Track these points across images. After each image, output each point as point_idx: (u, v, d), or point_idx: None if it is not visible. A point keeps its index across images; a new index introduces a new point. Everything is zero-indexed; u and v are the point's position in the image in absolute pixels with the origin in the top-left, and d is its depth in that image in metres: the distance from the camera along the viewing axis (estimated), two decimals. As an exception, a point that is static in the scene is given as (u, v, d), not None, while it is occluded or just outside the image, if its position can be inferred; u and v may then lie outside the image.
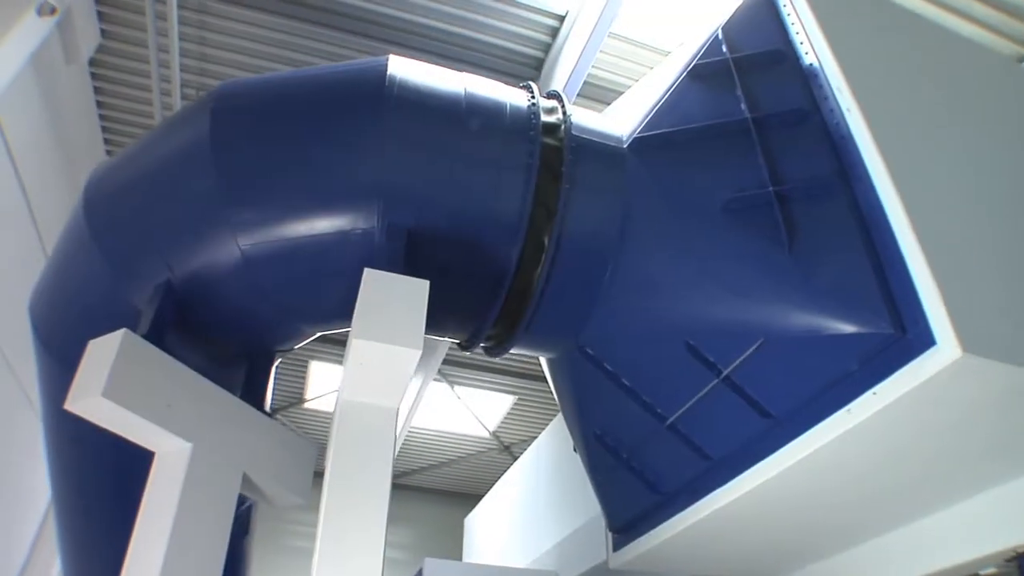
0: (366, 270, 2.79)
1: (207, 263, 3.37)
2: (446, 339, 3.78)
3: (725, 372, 3.03)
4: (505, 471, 9.56)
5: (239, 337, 3.67)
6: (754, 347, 2.89)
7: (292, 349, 3.94)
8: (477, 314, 3.42)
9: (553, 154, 3.34)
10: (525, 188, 3.23)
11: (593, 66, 6.09)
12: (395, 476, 12.64)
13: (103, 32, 6.37)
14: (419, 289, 2.79)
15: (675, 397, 3.29)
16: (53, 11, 5.49)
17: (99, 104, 7.00)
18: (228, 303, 3.49)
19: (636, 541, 4.14)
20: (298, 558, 13.07)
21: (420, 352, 2.63)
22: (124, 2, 6.09)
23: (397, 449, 11.62)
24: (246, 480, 3.27)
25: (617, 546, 4.39)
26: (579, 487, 7.12)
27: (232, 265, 3.35)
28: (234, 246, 3.30)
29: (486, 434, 11.74)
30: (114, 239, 3.47)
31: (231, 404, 3.33)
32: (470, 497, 10.90)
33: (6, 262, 5.91)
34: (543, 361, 4.07)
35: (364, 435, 2.79)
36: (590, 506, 6.72)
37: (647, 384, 3.39)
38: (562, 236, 3.25)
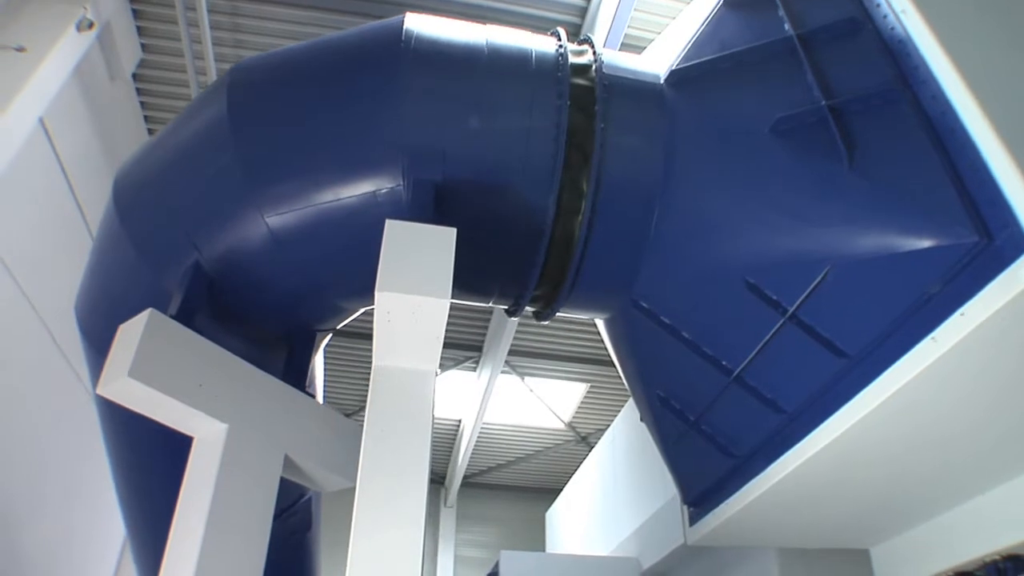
0: (388, 221, 2.61)
1: (236, 242, 3.26)
2: (498, 306, 3.57)
3: (791, 310, 2.74)
4: (583, 462, 9.31)
5: (277, 318, 3.55)
6: (820, 277, 2.59)
7: (335, 329, 3.80)
8: (519, 272, 3.21)
9: (585, 94, 3.11)
10: (556, 130, 3.00)
11: (629, 26, 5.82)
12: (472, 475, 12.60)
13: (144, 47, 6.47)
14: (445, 237, 2.59)
15: (739, 346, 3.01)
16: (91, 26, 5.58)
17: (146, 118, 7.10)
18: (262, 283, 3.38)
19: (712, 513, 3.85)
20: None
21: (448, 302, 2.42)
22: (162, 15, 6.15)
23: (471, 449, 11.48)
24: (288, 462, 3.13)
25: (693, 520, 4.11)
26: (655, 469, 6.83)
27: (261, 242, 3.23)
28: (261, 222, 3.18)
29: (561, 425, 11.48)
30: (140, 224, 3.41)
31: (269, 384, 3.19)
32: (550, 492, 10.66)
33: (65, 272, 5.98)
34: (601, 327, 3.82)
35: (401, 402, 2.59)
36: (668, 488, 6.43)
37: (708, 334, 3.11)
38: (601, 179, 3.01)
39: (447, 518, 13.44)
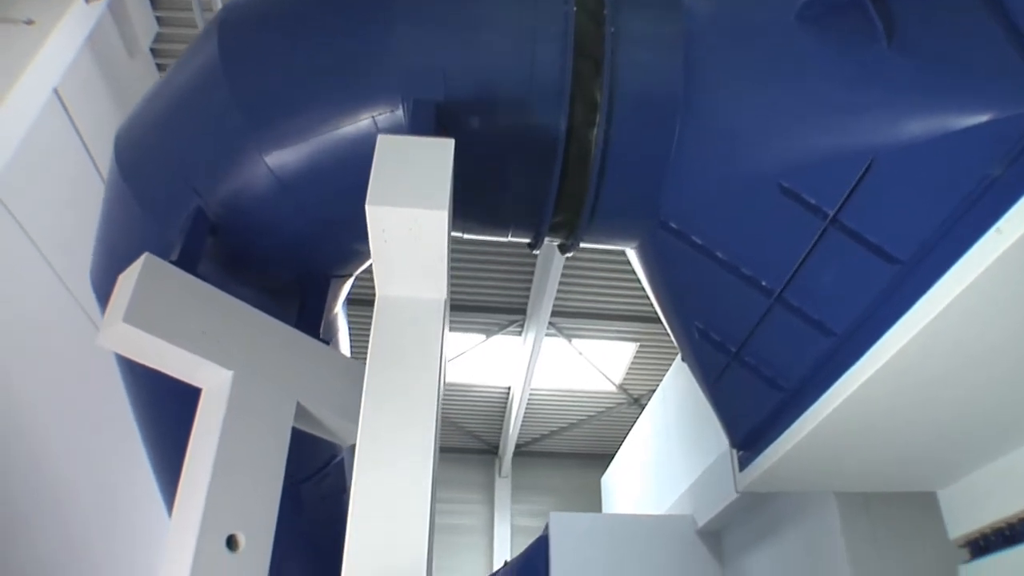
0: (380, 136, 2.41)
1: (237, 185, 3.11)
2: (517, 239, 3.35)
3: (832, 213, 2.46)
4: (635, 424, 9.08)
5: (287, 264, 3.40)
6: (863, 171, 2.30)
7: (351, 275, 3.63)
8: (535, 197, 2.98)
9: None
10: (563, 39, 2.76)
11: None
12: (525, 444, 12.47)
13: (159, 20, 6.40)
14: (442, 148, 2.37)
15: (779, 262, 2.74)
16: (99, -4, 5.51)
17: (167, 91, 7.02)
18: (268, 227, 3.23)
19: (763, 455, 3.58)
20: (441, 535, 13.04)
21: (447, 214, 2.21)
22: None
23: (521, 416, 11.33)
24: (301, 411, 2.96)
25: (743, 464, 3.85)
26: (707, 424, 6.57)
27: (263, 183, 3.07)
28: (261, 163, 3.02)
29: (612, 388, 11.24)
30: (141, 178, 3.30)
31: (278, 330, 3.03)
32: (604, 457, 10.45)
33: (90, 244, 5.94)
34: (633, 260, 3.56)
35: (406, 333, 2.40)
36: (720, 442, 6.17)
37: (744, 252, 2.84)
38: (615, 88, 2.76)
39: (502, 489, 13.36)
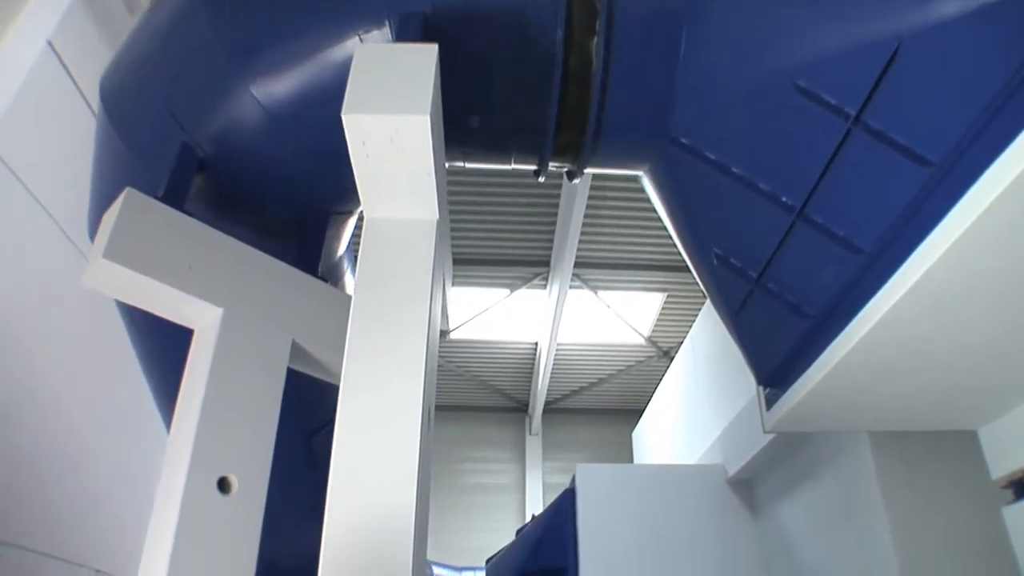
0: (357, 46, 2.23)
1: (225, 120, 2.97)
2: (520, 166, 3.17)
3: (855, 113, 2.23)
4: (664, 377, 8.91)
5: (283, 201, 3.26)
6: (887, 62, 2.08)
7: (352, 212, 3.48)
8: (535, 118, 2.78)
9: None
10: (558, -67, 2.54)
11: None
12: (554, 400, 12.36)
13: (159, -26, 6.24)
14: (424, 53, 2.18)
15: (799, 173, 2.52)
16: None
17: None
18: (260, 163, 3.08)
19: (790, 391, 3.40)
20: (474, 495, 13.06)
21: (430, 120, 2.03)
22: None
23: (549, 372, 11.20)
24: (298, 350, 2.83)
25: (770, 403, 3.67)
26: (737, 370, 6.38)
27: (251, 116, 2.92)
28: (247, 96, 2.87)
29: (640, 340, 11.05)
30: (127, 119, 3.19)
31: (271, 266, 2.89)
32: (635, 413, 10.31)
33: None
34: (648, 187, 3.36)
35: (396, 256, 2.23)
36: (750, 387, 5.98)
37: (762, 164, 2.63)
38: (615, -9, 2.54)
39: (533, 446, 13.30)
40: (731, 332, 3.45)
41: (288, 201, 3.24)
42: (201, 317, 2.68)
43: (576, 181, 3.20)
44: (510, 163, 3.07)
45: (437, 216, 2.30)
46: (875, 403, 3.49)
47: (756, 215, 2.73)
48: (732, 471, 6.23)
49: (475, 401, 13.27)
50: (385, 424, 1.90)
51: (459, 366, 12.11)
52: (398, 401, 1.93)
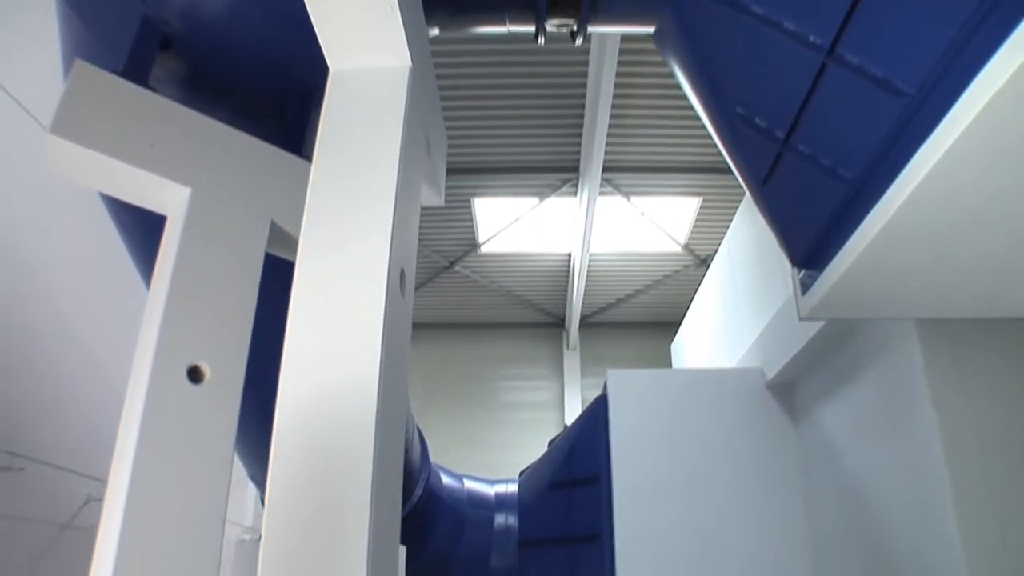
0: None
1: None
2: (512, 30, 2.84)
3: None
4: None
5: (263, 78, 2.99)
6: None
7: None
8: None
9: None
10: None
11: None
12: (591, 314, 12.12)
13: None
14: None
15: (830, 3, 2.17)
16: None
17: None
18: (234, 35, 2.81)
19: (827, 270, 3.09)
20: (512, 412, 13.02)
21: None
22: None
23: (584, 283, 10.92)
24: (278, 232, 2.60)
25: (805, 286, 3.36)
26: (776, 267, 6.05)
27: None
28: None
29: (677, 248, 10.69)
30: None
31: (246, 144, 2.64)
32: (673, 325, 10.03)
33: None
34: (660, 47, 3.01)
35: (361, 110, 1.96)
36: (789, 285, 5.65)
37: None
38: None
39: (571, 362, 13.14)
40: (760, 207, 3.13)
41: (266, 78, 2.97)
42: (169, 200, 2.46)
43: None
44: (504, 25, 2.74)
45: (410, 63, 2.01)
46: (922, 283, 3.15)
47: (781, 61, 2.39)
48: (771, 374, 5.94)
49: (510, 317, 13.08)
50: (345, 290, 1.66)
51: (492, 281, 11.89)
52: (361, 264, 1.69)
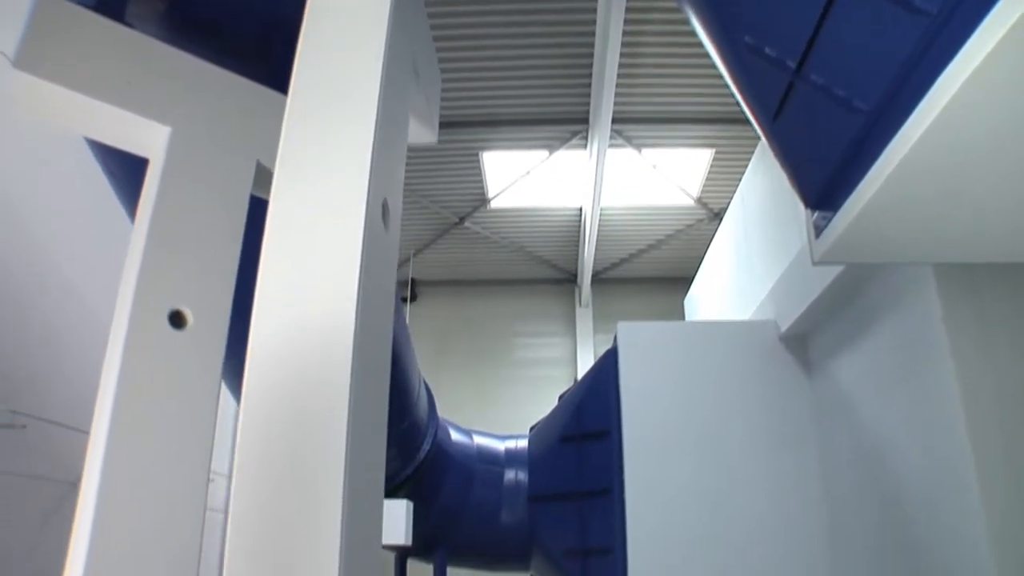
0: None
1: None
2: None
3: None
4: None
5: (246, 15, 2.86)
6: None
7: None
8: None
9: None
10: None
11: None
12: (603, 270, 11.99)
13: None
14: None
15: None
16: None
17: None
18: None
19: (842, 210, 2.95)
20: (525, 369, 12.98)
21: None
22: None
23: (595, 238, 10.78)
24: (263, 174, 2.49)
25: (819, 229, 3.22)
26: (789, 220, 5.91)
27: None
28: None
29: (690, 202, 10.49)
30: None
31: (229, 82, 2.52)
32: (687, 280, 9.89)
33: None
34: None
35: (340, 32, 1.84)
36: (804, 234, 5.51)
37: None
38: None
39: (583, 319, 13.04)
40: (771, 145, 2.99)
41: (250, 15, 2.84)
42: (149, 140, 2.35)
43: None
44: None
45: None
46: (942, 225, 3.01)
47: (795, -18, 2.23)
48: (784, 326, 5.81)
49: (522, 274, 12.95)
50: (321, 221, 1.55)
51: (503, 237, 11.75)
52: (338, 194, 1.58)
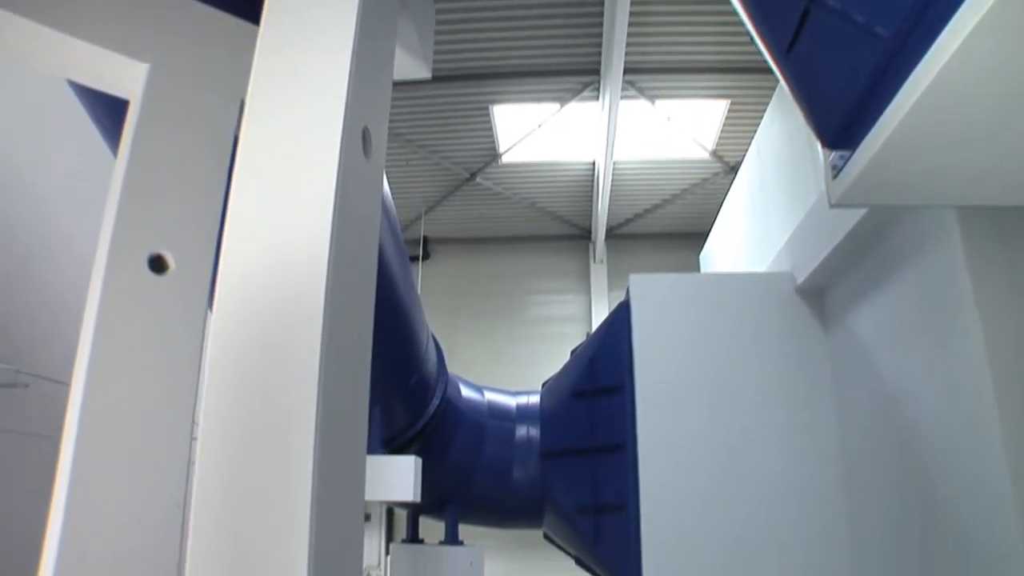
0: None
1: None
2: None
3: None
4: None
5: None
6: None
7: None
8: None
9: None
10: None
11: None
12: (617, 226, 11.83)
13: None
14: None
15: None
16: None
17: None
18: None
19: (860, 147, 2.80)
20: (539, 326, 12.90)
21: None
22: None
23: (608, 193, 10.60)
24: (249, 114, 2.37)
25: (837, 169, 3.07)
26: (806, 167, 5.73)
27: None
28: None
29: (705, 155, 10.28)
30: None
31: (210, 17, 2.39)
32: (702, 236, 9.72)
33: None
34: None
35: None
36: (821, 181, 5.33)
37: None
38: None
39: (598, 275, 12.91)
40: (786, 81, 2.83)
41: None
42: (126, 78, 2.23)
43: None
44: None
45: None
46: (967, 163, 2.85)
47: None
48: (801, 278, 5.66)
49: (535, 230, 12.80)
50: (296, 148, 1.44)
51: (515, 193, 11.59)
52: (313, 119, 1.46)
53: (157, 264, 2.02)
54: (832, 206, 3.18)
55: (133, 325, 1.92)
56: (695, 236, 10.92)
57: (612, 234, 12.63)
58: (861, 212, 4.50)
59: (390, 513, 12.14)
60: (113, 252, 1.95)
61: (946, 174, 2.96)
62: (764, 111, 9.04)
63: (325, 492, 1.21)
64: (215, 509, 1.23)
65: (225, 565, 1.19)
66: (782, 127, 6.51)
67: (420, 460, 4.06)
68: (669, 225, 12.45)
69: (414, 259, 12.48)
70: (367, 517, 12.31)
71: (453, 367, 5.92)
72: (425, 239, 12.57)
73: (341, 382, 1.33)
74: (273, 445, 1.23)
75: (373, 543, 12.25)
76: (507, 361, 12.15)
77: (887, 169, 2.75)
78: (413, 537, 5.95)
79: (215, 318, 1.33)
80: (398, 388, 4.39)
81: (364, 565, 12.19)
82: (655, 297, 5.82)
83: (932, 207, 4.01)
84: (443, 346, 5.78)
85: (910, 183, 2.97)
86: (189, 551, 1.20)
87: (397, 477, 4.03)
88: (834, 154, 3.02)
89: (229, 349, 1.30)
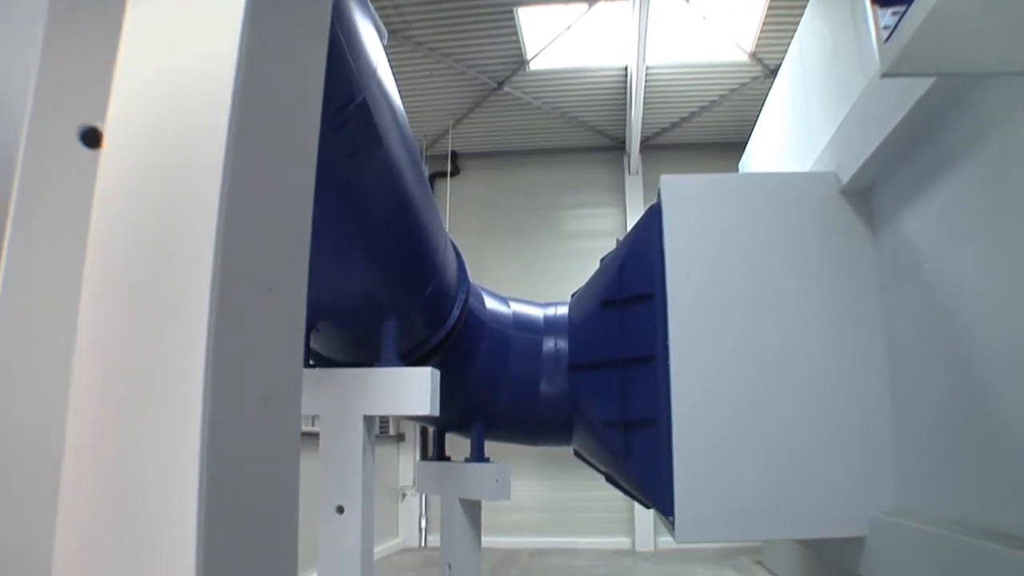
0: None
1: None
2: None
3: None
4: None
5: None
6: None
7: None
8: None
9: None
10: None
11: None
12: (653, 136, 11.30)
13: None
14: None
15: None
16: None
17: None
18: None
19: (915, 3, 2.42)
20: (573, 241, 12.59)
21: None
22: None
23: (641, 99, 10.10)
24: None
25: (888, 29, 2.69)
26: (852, 60, 5.26)
27: None
28: None
29: (743, 57, 9.69)
30: None
31: None
32: (741, 145, 9.22)
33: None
34: None
35: None
36: (867, 74, 4.88)
37: None
38: None
39: (633, 187, 12.50)
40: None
41: None
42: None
43: None
44: None
45: None
46: None
47: None
48: (846, 178, 5.26)
49: (567, 142, 12.35)
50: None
51: (545, 102, 11.11)
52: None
53: (90, 138, 1.75)
54: (884, 75, 2.80)
55: (63, 206, 1.67)
56: (734, 146, 10.41)
57: (647, 144, 12.14)
58: (911, 102, 4.08)
59: (423, 433, 12.12)
60: (35, 121, 1.68)
61: (1007, 33, 2.56)
62: (805, 7, 8.42)
63: (221, 391, 0.96)
64: (96, 378, 1.00)
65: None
66: (825, 21, 6.01)
67: (438, 372, 3.83)
68: (706, 134, 11.91)
69: (443, 175, 12.16)
70: (400, 437, 12.31)
71: (485, 285, 5.67)
72: (454, 154, 12.22)
73: (253, 251, 1.06)
74: (164, 325, 0.99)
75: (408, 463, 12.29)
76: (540, 278, 11.89)
77: (947, 24, 2.37)
78: (439, 455, 5.81)
79: (106, 146, 1.09)
80: (412, 297, 4.14)
81: (399, 485, 12.26)
82: (688, 199, 5.45)
83: (996, 82, 3.57)
84: (473, 264, 5.51)
85: (974, 44, 2.58)
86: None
87: (413, 390, 3.81)
88: (888, 12, 2.63)
89: (115, 197, 1.05)
